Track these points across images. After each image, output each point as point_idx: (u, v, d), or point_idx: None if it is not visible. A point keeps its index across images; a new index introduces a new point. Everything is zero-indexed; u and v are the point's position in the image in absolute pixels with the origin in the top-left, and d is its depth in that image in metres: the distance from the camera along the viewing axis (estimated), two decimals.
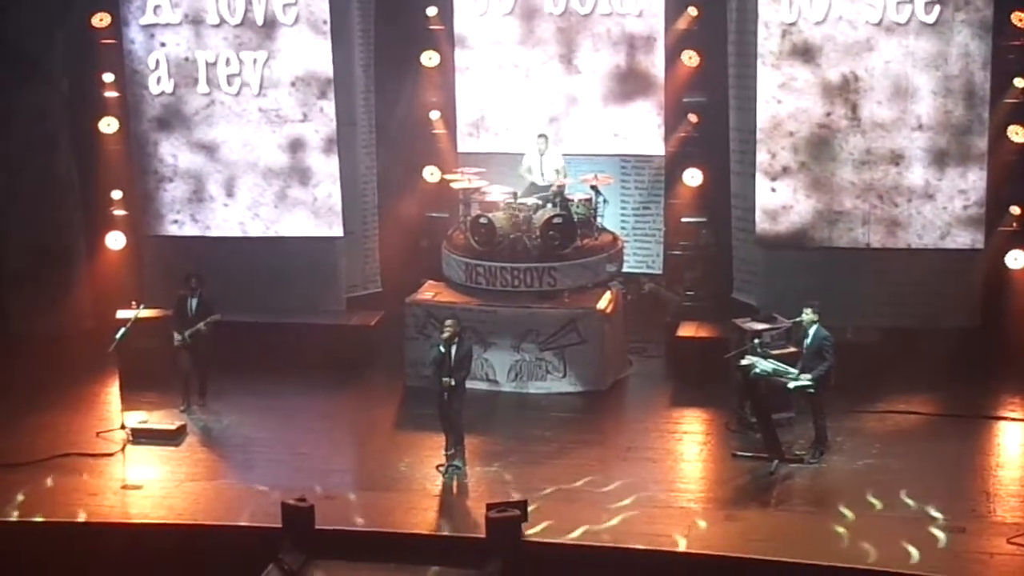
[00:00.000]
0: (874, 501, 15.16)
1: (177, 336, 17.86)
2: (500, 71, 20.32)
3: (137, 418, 17.61)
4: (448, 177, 20.23)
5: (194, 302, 17.97)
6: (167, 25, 19.78)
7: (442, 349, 16.11)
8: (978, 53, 18.11)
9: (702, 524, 14.78)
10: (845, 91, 18.53)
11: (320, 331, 19.71)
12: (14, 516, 15.34)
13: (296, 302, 20.05)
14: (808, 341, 16.17)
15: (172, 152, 20.19)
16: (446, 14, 20.51)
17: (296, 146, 19.98)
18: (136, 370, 18.44)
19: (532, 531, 14.44)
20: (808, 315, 16.17)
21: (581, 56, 20.04)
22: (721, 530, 14.70)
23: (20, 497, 15.69)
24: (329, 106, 19.80)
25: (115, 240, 20.64)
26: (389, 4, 20.70)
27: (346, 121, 20.11)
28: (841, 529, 14.56)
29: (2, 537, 15.00)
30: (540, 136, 19.67)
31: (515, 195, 19.51)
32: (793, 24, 18.52)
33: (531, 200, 19.37)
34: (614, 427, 17.76)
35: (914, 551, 13.92)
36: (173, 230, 20.42)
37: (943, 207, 18.55)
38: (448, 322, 16.28)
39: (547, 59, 20.16)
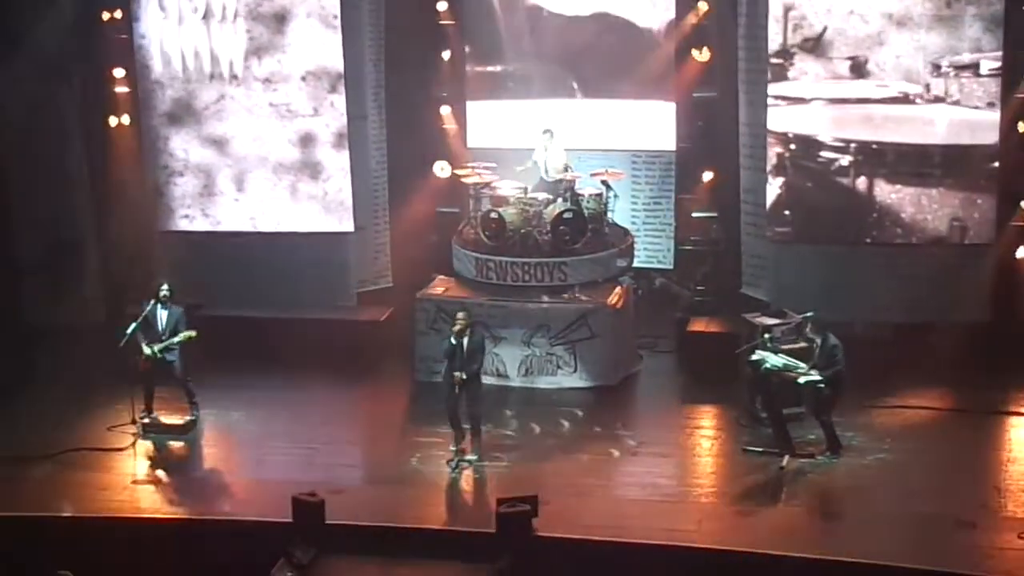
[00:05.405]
0: (885, 496, 15.13)
1: (146, 349, 17.20)
2: (510, 65, 20.32)
3: (148, 412, 17.63)
4: (459, 172, 20.24)
5: (163, 314, 17.34)
6: (178, 20, 19.79)
7: (452, 341, 16.13)
8: (989, 47, 18.08)
9: (712, 519, 14.78)
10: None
11: (330, 326, 19.70)
12: (26, 511, 15.36)
13: (306, 297, 20.05)
14: (818, 347, 16.12)
15: (183, 147, 20.21)
16: (456, 8, 20.52)
17: (306, 141, 19.99)
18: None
19: (542, 526, 14.44)
20: (810, 332, 16.15)
21: (592, 50, 20.03)
22: (732, 525, 14.70)
23: (31, 492, 15.73)
24: (339, 100, 19.80)
25: (126, 234, 20.63)
26: None
27: (356, 116, 20.11)
28: (851, 524, 14.54)
29: (13, 532, 15.03)
30: (545, 131, 19.65)
31: (526, 190, 19.51)
32: (804, 18, 18.50)
33: (541, 195, 19.37)
34: (624, 422, 17.74)
35: (923, 547, 13.90)
36: (183, 225, 20.44)
37: (955, 201, 18.52)
38: (459, 315, 16.28)
39: (558, 53, 20.15)
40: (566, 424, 17.50)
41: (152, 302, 17.38)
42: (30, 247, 20.80)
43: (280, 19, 19.64)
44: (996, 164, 18.35)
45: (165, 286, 17.43)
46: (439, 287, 19.34)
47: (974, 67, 18.10)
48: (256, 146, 20.08)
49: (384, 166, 20.84)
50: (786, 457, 15.98)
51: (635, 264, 20.05)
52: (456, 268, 19.56)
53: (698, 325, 19.39)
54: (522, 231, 18.99)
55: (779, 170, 18.87)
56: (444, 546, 14.42)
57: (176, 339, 17.25)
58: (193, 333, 17.26)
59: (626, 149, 20.62)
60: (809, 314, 16.61)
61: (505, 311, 18.60)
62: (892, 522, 14.46)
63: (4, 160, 20.48)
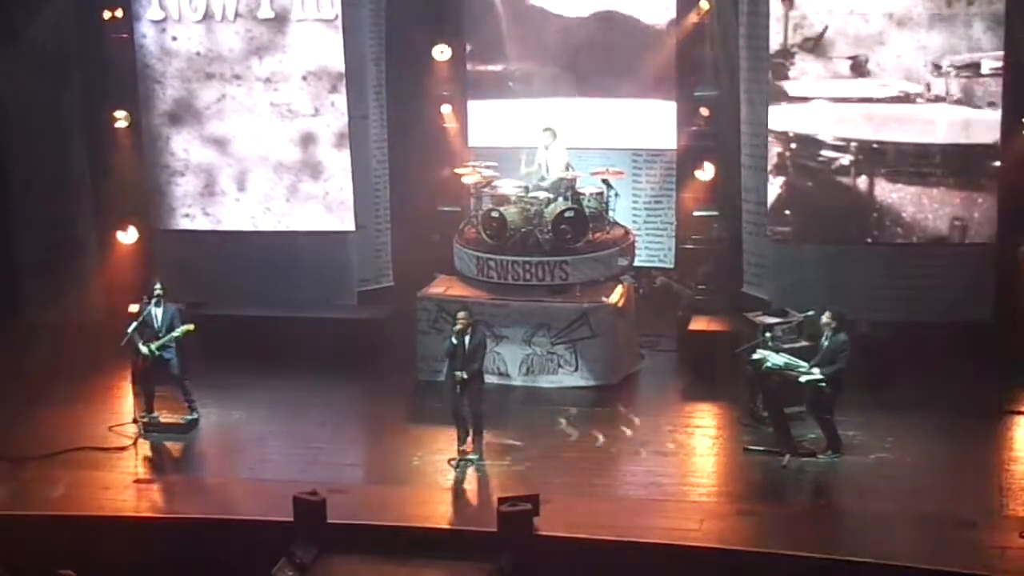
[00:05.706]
0: (886, 495, 15.13)
1: (143, 349, 17.23)
2: (511, 64, 20.32)
3: (149, 412, 17.62)
4: (459, 171, 20.23)
5: (158, 312, 17.31)
6: (179, 20, 19.79)
7: (454, 341, 16.13)
8: (990, 46, 18.07)
9: (714, 518, 14.78)
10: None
11: (331, 325, 19.71)
12: (27, 510, 15.35)
13: (307, 296, 20.06)
14: (825, 343, 16.08)
15: (184, 146, 20.22)
16: (457, 8, 20.49)
17: (307, 140, 19.99)
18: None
19: (543, 525, 14.43)
20: (826, 319, 16.09)
21: (592, 49, 20.02)
22: (733, 524, 14.69)
23: (33, 491, 15.72)
24: (340, 100, 19.81)
25: (127, 234, 20.66)
26: None
27: (357, 115, 20.11)
28: (852, 523, 14.54)
29: (15, 531, 15.01)
30: (546, 130, 19.63)
31: (527, 189, 19.49)
32: (804, 17, 18.49)
33: (542, 194, 19.35)
34: (625, 421, 17.72)
35: (925, 546, 13.90)
36: (184, 224, 20.45)
37: (956, 200, 18.51)
38: (460, 314, 16.28)
39: (559, 52, 20.14)
40: (567, 423, 17.48)
41: (149, 301, 17.41)
42: (30, 247, 20.82)
43: (281, 19, 19.63)
44: (997, 163, 18.35)
45: (158, 285, 17.43)
46: (440, 286, 19.33)
47: (975, 66, 18.09)
48: (257, 146, 20.09)
49: (385, 165, 20.84)
50: (787, 456, 15.97)
51: (636, 263, 20.03)
52: (457, 267, 19.54)
53: (699, 324, 19.38)
54: (523, 230, 18.98)
55: (780, 169, 18.88)
56: (445, 545, 14.40)
57: (175, 333, 17.26)
58: (191, 326, 17.28)
59: (627, 148, 20.61)
60: (810, 313, 16.60)
61: (506, 310, 18.59)
62: (893, 521, 14.44)
63: (4, 160, 20.50)
